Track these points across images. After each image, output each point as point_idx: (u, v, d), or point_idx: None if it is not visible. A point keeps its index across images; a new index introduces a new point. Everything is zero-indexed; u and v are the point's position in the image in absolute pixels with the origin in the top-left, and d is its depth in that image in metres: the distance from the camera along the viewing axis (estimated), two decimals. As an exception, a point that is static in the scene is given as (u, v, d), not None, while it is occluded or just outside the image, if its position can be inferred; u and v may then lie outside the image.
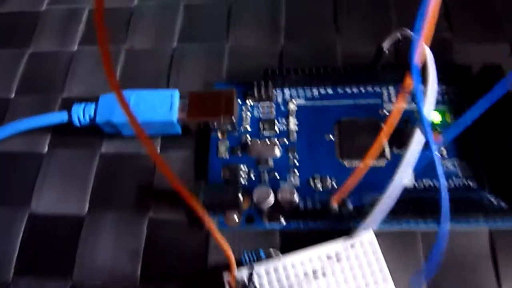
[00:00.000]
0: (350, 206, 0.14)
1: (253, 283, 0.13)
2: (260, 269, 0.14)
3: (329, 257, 0.14)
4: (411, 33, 0.14)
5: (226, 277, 0.14)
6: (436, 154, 0.11)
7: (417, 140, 0.11)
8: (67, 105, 0.20)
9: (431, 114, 0.11)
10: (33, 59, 0.22)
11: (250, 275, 0.13)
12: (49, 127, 0.20)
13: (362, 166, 0.12)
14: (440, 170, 0.11)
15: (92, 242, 0.17)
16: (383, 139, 0.12)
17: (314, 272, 0.14)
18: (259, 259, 0.14)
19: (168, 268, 0.16)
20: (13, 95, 0.21)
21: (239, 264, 0.14)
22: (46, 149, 0.19)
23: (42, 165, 0.19)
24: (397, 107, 0.12)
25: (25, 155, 0.19)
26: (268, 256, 0.15)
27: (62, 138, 0.19)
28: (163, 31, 0.22)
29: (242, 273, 0.14)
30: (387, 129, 0.12)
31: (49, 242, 0.17)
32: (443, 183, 0.10)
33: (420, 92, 0.10)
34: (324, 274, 0.14)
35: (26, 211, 0.18)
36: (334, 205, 0.14)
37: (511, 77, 0.11)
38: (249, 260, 0.15)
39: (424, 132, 0.11)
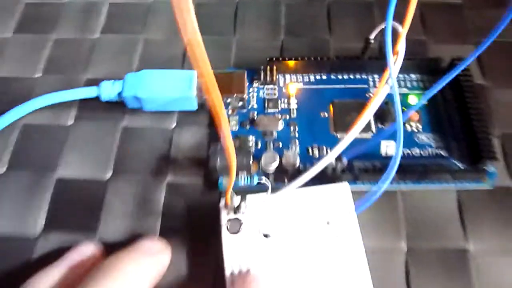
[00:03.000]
0: (345, 160, 0.17)
1: (244, 204, 0.16)
2: (251, 197, 0.17)
3: (305, 197, 0.17)
4: (396, 23, 0.17)
5: (222, 202, 0.16)
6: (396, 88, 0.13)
7: (384, 91, 0.14)
8: (90, 84, 0.22)
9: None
10: (57, 44, 0.24)
11: (242, 198, 0.16)
12: (74, 103, 0.22)
13: (355, 126, 0.15)
14: (398, 107, 0.13)
15: (116, 202, 0.19)
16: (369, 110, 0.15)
17: (292, 208, 0.17)
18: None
19: (184, 225, 0.19)
20: (39, 75, 0.23)
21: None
22: (72, 122, 0.22)
23: (68, 136, 0.21)
24: (378, 89, 0.15)
25: (52, 127, 0.21)
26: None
27: (86, 113, 0.22)
28: (176, 25, 0.25)
29: (235, 199, 0.16)
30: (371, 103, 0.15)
31: (76, 204, 0.19)
32: (399, 115, 0.13)
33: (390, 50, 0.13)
34: (299, 210, 0.17)
35: (53, 176, 0.20)
36: (332, 161, 0.17)
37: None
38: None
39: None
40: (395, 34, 0.14)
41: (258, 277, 0.15)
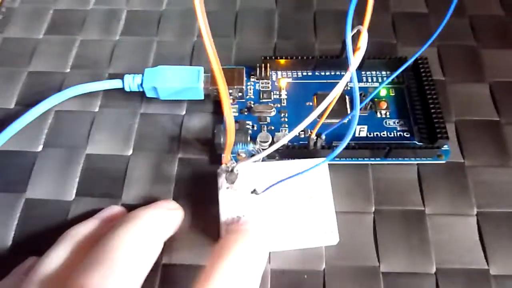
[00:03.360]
0: (324, 137, 0.21)
1: (236, 166, 0.20)
2: (244, 164, 0.20)
3: (290, 167, 0.21)
4: (363, 27, 0.22)
5: (221, 167, 0.21)
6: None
7: (346, 78, 0.18)
8: (111, 78, 0.26)
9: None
10: (83, 44, 0.28)
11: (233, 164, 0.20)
12: (98, 94, 0.26)
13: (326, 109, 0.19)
14: (355, 85, 0.17)
15: (136, 173, 0.23)
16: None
17: (278, 174, 0.20)
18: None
19: (192, 191, 0.23)
20: (68, 70, 0.27)
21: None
22: (97, 109, 0.26)
23: (95, 120, 0.25)
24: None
25: (81, 113, 0.25)
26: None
27: (109, 102, 0.26)
28: (185, 29, 0.29)
29: (232, 163, 0.20)
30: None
31: (102, 175, 0.23)
32: (356, 90, 0.17)
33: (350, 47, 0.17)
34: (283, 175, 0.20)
35: (83, 152, 0.24)
36: (313, 136, 0.21)
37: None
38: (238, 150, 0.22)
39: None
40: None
41: (249, 220, 0.19)
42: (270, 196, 0.20)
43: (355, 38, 0.20)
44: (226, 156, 0.20)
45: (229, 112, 0.17)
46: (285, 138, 0.19)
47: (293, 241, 0.20)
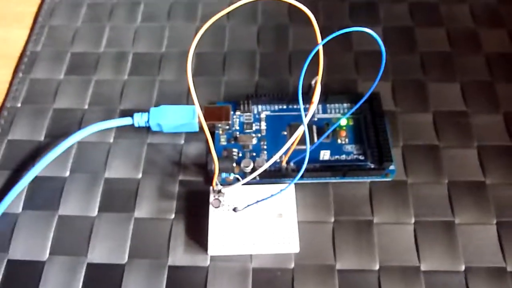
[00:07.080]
0: (292, 165, 0.27)
1: (222, 189, 0.26)
2: (228, 187, 0.27)
3: (265, 190, 0.27)
4: (317, 80, 0.27)
5: (211, 188, 0.27)
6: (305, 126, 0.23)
7: (301, 128, 0.24)
8: (123, 114, 0.32)
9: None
10: (98, 84, 0.34)
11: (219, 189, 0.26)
12: (113, 128, 0.32)
13: (295, 139, 0.25)
14: (306, 132, 0.23)
15: (146, 192, 0.29)
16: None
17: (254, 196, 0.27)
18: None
19: (191, 206, 0.29)
20: (86, 107, 0.33)
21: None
22: (112, 140, 0.31)
23: (110, 150, 0.31)
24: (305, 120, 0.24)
25: (99, 144, 0.31)
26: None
27: (122, 134, 0.32)
28: (182, 69, 0.35)
29: (218, 186, 0.27)
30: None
31: (119, 194, 0.29)
32: (307, 133, 0.23)
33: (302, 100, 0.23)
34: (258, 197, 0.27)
35: (102, 176, 0.30)
36: (284, 163, 0.27)
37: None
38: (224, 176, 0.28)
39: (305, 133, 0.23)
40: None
41: None
42: (248, 213, 0.26)
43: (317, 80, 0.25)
44: (214, 180, 0.26)
45: (213, 150, 0.23)
46: (264, 166, 0.24)
47: (264, 247, 0.26)
